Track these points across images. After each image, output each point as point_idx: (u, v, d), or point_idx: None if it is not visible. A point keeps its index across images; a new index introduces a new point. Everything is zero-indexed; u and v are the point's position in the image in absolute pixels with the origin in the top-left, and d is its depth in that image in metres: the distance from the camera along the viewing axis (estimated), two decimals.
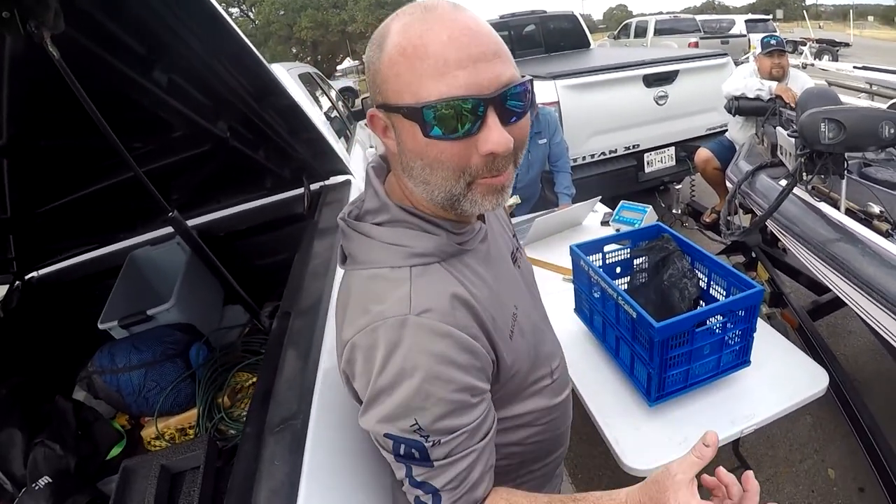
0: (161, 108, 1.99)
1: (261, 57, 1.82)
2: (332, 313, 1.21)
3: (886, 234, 2.11)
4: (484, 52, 0.80)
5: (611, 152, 5.16)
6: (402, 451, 0.88)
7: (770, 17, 24.49)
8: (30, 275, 2.59)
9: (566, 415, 1.30)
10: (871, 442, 2.25)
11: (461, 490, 0.92)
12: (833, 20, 48.15)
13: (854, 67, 8.25)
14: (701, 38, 17.16)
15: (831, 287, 2.39)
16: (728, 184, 3.59)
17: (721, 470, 0.90)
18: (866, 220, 2.27)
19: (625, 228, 2.94)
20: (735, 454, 2.55)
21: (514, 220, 3.56)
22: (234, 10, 35.86)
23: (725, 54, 5.60)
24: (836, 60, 14.35)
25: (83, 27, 1.50)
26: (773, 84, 4.11)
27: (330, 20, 32.45)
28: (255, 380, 2.04)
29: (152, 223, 2.63)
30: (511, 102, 0.82)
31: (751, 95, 4.15)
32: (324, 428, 1.16)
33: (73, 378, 2.23)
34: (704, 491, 0.84)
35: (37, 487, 1.69)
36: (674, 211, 5.18)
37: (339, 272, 1.04)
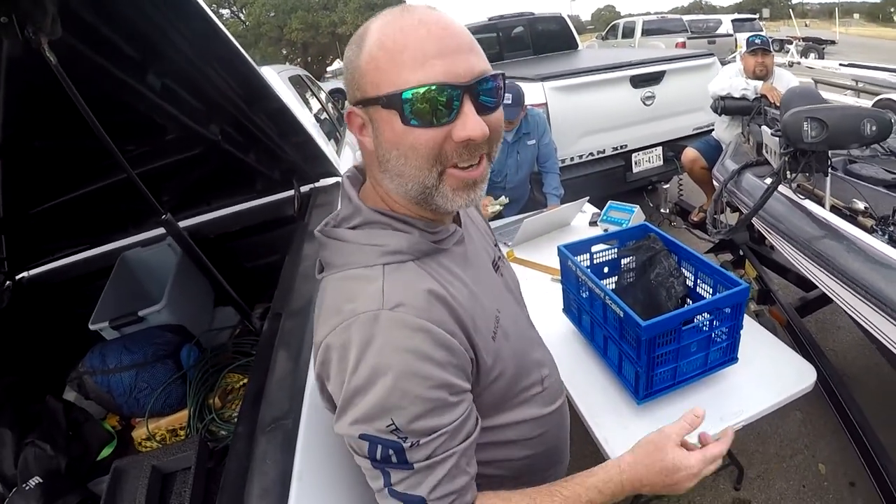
0: (154, 111, 2.01)
1: (251, 61, 1.84)
2: None
3: (871, 230, 2.12)
4: (460, 44, 0.85)
5: (599, 153, 5.18)
6: (378, 455, 0.86)
7: (756, 16, 24.67)
8: (21, 275, 2.59)
9: (561, 427, 1.28)
10: (861, 436, 2.26)
11: (450, 498, 0.89)
12: (819, 18, 48.46)
13: (840, 65, 8.35)
14: (688, 39, 17.22)
15: (817, 283, 2.41)
16: (715, 183, 3.61)
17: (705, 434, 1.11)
18: (851, 216, 2.28)
19: (613, 228, 2.95)
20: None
21: (502, 221, 3.59)
22: (225, 12, 35.86)
23: (711, 54, 5.64)
24: (823, 58, 14.51)
25: (79, 32, 1.52)
26: (759, 83, 4.14)
27: (320, 22, 32.46)
28: (245, 381, 2.05)
29: (144, 225, 2.64)
30: (485, 94, 0.86)
31: (736, 95, 4.18)
32: (314, 427, 1.17)
33: (64, 378, 2.22)
34: None
35: (27, 488, 1.69)
36: (662, 210, 5.19)
37: None
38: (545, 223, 3.30)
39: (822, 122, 2.15)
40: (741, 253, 3.60)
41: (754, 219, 2.73)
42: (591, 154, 5.15)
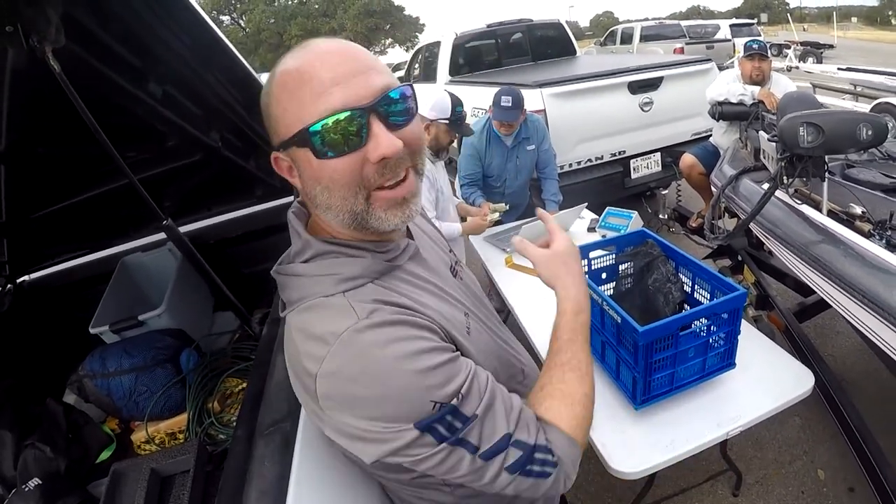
0: (155, 118, 2.02)
1: (251, 69, 1.86)
2: None
3: (868, 235, 2.12)
4: (357, 66, 0.85)
5: (597, 159, 5.19)
6: (444, 431, 0.85)
7: (755, 21, 24.72)
8: (21, 278, 2.60)
9: None
10: (860, 442, 2.26)
11: (522, 416, 0.94)
12: (817, 22, 48.64)
13: (838, 69, 8.35)
14: (686, 44, 17.24)
15: (815, 288, 2.41)
16: (713, 188, 3.62)
17: None
18: (848, 221, 2.29)
19: (611, 234, 2.96)
20: (723, 456, 2.57)
21: (501, 228, 3.60)
22: (225, 18, 35.96)
23: (709, 60, 5.66)
24: (821, 62, 14.49)
25: (82, 41, 1.54)
26: (756, 89, 4.14)
27: (320, 28, 32.58)
28: (244, 385, 2.06)
29: (144, 230, 2.66)
30: (393, 109, 0.86)
31: (734, 100, 4.18)
32: (313, 430, 1.17)
33: (64, 381, 2.24)
34: None
35: (27, 489, 1.70)
36: (661, 216, 5.19)
37: None
38: (544, 229, 3.29)
39: (818, 128, 2.16)
40: (739, 258, 3.60)
41: (752, 224, 2.74)
42: (590, 160, 5.16)
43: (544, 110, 4.72)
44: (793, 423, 3.06)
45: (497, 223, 3.57)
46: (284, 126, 0.86)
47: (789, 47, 15.55)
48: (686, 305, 2.04)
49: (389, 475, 1.00)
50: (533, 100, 4.65)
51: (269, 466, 1.08)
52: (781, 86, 4.30)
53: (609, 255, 2.26)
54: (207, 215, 2.74)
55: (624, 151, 5.26)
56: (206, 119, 2.15)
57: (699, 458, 2.63)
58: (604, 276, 2.28)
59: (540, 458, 0.93)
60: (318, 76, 0.83)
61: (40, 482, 1.73)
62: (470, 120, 4.06)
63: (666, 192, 5.39)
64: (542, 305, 1.77)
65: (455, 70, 7.26)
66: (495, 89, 3.69)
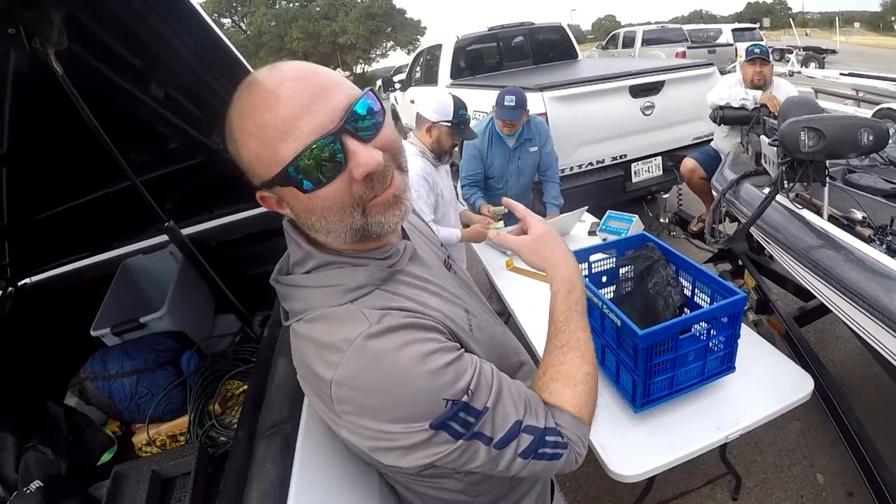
0: (157, 120, 2.03)
1: (253, 71, 1.85)
2: None
3: (869, 240, 2.12)
4: (314, 91, 0.83)
5: (598, 162, 5.20)
6: (458, 427, 0.87)
7: (757, 25, 24.76)
8: (23, 281, 2.60)
9: None
10: (859, 446, 2.26)
11: (530, 403, 0.97)
12: (820, 27, 48.50)
13: (840, 74, 8.34)
14: (688, 48, 17.28)
15: (815, 293, 2.41)
16: (714, 192, 3.62)
17: None
18: (849, 226, 2.29)
19: (611, 238, 2.96)
20: (722, 460, 2.57)
21: (503, 230, 3.58)
22: (227, 21, 35.97)
23: (711, 64, 5.67)
24: (823, 67, 14.51)
25: (84, 43, 1.54)
26: (758, 93, 4.15)
27: (321, 31, 32.54)
28: (245, 388, 2.06)
29: (146, 232, 2.66)
30: (361, 124, 0.85)
31: (735, 105, 4.19)
32: (313, 431, 1.18)
33: (65, 384, 2.24)
34: None
35: (28, 491, 1.71)
36: (661, 220, 5.20)
37: None
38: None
39: (818, 132, 2.16)
40: (740, 262, 3.60)
41: (753, 228, 2.74)
42: (591, 164, 5.17)
43: (546, 113, 4.73)
44: (792, 428, 3.07)
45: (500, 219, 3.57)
46: (263, 169, 0.86)
47: (791, 52, 15.53)
48: (686, 309, 2.03)
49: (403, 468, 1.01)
50: (535, 103, 4.64)
51: (270, 468, 1.09)
52: (783, 90, 4.30)
53: (609, 258, 2.27)
54: (209, 218, 2.74)
55: (625, 155, 5.27)
56: (207, 121, 2.15)
57: (699, 462, 2.63)
58: (604, 279, 2.29)
59: (551, 440, 0.97)
60: (279, 115, 0.81)
61: (42, 484, 1.74)
62: (470, 123, 4.07)
63: (667, 195, 5.40)
64: (542, 308, 1.77)
65: (456, 73, 7.27)
66: (496, 92, 3.70)
